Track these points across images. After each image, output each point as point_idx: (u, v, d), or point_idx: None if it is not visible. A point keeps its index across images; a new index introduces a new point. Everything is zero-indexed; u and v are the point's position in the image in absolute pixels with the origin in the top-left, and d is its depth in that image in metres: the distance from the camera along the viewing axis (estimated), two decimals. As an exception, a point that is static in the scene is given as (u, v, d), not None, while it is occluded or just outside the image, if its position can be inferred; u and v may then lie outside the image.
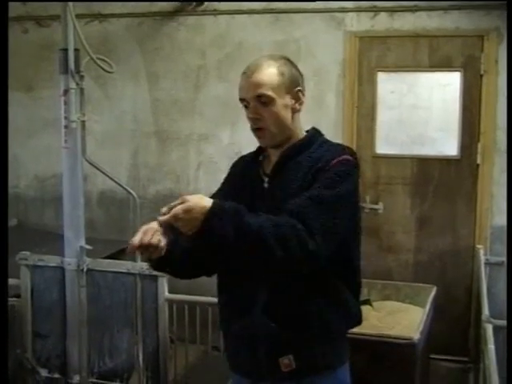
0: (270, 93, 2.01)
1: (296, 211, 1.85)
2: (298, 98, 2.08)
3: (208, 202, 1.78)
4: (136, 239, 1.85)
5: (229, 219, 1.77)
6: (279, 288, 1.99)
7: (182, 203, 1.76)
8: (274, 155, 2.11)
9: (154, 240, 1.87)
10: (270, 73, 2.02)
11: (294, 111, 2.08)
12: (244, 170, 2.21)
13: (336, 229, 1.90)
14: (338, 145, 2.13)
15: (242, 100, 2.06)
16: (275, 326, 1.99)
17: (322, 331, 2.02)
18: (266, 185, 2.08)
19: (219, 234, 1.76)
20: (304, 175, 2.00)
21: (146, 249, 1.88)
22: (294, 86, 2.07)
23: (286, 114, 2.05)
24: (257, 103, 2.02)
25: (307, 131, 2.16)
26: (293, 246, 1.80)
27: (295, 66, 2.11)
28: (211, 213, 1.76)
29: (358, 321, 2.15)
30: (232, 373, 2.22)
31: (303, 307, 1.99)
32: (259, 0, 4.55)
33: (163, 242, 1.90)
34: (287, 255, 1.79)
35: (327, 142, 2.13)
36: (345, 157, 2.00)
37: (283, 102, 2.04)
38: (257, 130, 2.05)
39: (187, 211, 1.75)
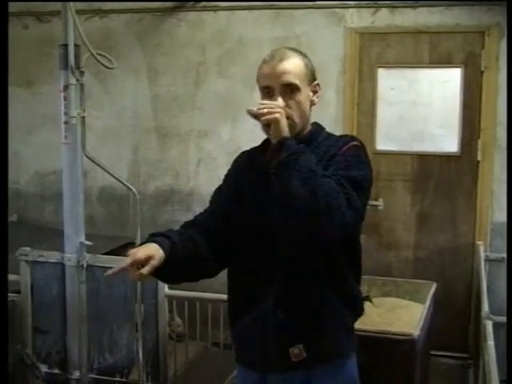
0: (297, 82, 2.02)
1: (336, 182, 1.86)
2: (315, 91, 2.11)
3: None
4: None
5: (305, 155, 1.85)
6: (293, 278, 2.01)
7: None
8: None
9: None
10: (296, 63, 2.05)
11: (312, 104, 2.10)
12: (250, 163, 2.20)
13: (364, 207, 1.94)
14: (345, 135, 2.18)
15: (265, 88, 2.04)
16: (285, 317, 2.01)
17: (333, 320, 2.04)
18: (273, 178, 2.03)
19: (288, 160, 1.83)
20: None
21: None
22: (313, 78, 2.11)
23: (307, 106, 2.08)
24: (283, 91, 2.01)
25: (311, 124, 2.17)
26: (334, 207, 1.81)
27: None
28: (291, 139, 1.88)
29: (362, 308, 2.17)
30: (239, 366, 2.23)
31: (314, 297, 2.01)
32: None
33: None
34: (328, 213, 1.80)
35: (332, 134, 2.16)
36: (355, 143, 2.04)
37: (306, 93, 2.06)
38: None
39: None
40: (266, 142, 2.15)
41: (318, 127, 2.17)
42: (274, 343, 2.05)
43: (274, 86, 2.01)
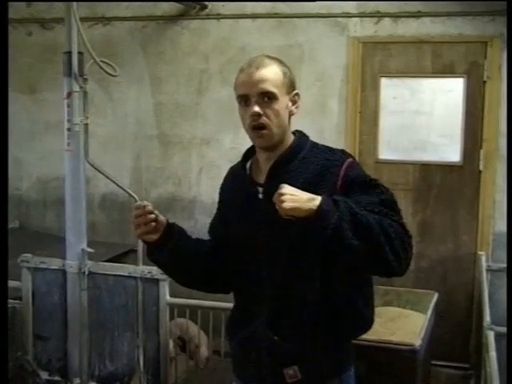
0: (275, 90, 1.93)
1: (377, 212, 1.81)
2: (294, 101, 2.02)
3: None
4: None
5: (342, 210, 1.74)
6: (287, 296, 1.96)
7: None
8: (265, 163, 2.02)
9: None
10: (274, 71, 1.95)
11: (291, 114, 2.01)
12: (233, 182, 2.14)
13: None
14: (332, 148, 2.06)
15: (241, 96, 1.96)
16: (277, 339, 1.97)
17: (329, 341, 1.98)
18: (260, 195, 1.99)
19: (334, 224, 1.72)
20: (307, 185, 1.88)
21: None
22: (293, 88, 2.01)
23: (285, 115, 1.98)
24: (260, 100, 1.93)
25: (293, 133, 2.07)
26: (396, 242, 1.78)
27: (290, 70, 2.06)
28: (323, 203, 1.75)
29: (369, 325, 2.11)
30: (236, 378, 2.20)
31: (309, 318, 1.95)
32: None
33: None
34: (392, 250, 1.77)
35: (317, 145, 2.06)
36: (350, 160, 1.97)
37: (284, 102, 1.97)
38: (257, 129, 1.94)
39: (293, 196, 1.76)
40: (245, 156, 2.11)
41: (301, 137, 2.06)
42: (268, 363, 2.01)
43: (251, 95, 1.93)
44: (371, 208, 1.81)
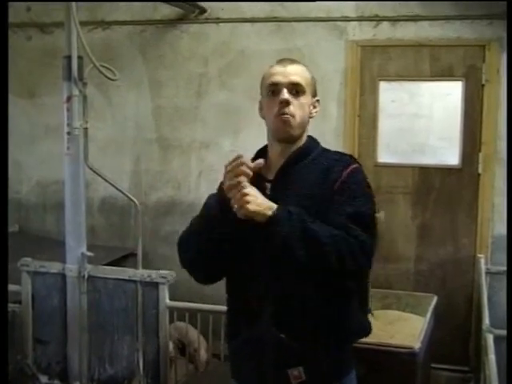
0: (304, 84, 2.04)
1: (343, 225, 1.88)
2: (315, 106, 2.11)
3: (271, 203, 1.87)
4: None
5: (294, 222, 1.83)
6: (288, 296, 1.97)
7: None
8: (277, 159, 2.07)
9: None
10: (304, 70, 2.08)
11: (310, 116, 2.09)
12: None
13: (375, 242, 1.98)
14: (343, 153, 2.15)
15: (272, 85, 2.04)
16: (285, 337, 1.97)
17: (334, 342, 1.99)
18: (268, 191, 2.02)
19: (284, 234, 1.82)
20: (313, 185, 1.97)
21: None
22: (315, 93, 2.12)
23: (308, 113, 2.07)
24: (290, 90, 2.02)
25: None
26: (347, 259, 1.84)
27: None
28: (278, 213, 1.84)
29: (368, 331, 2.13)
30: (234, 381, 2.19)
31: (315, 317, 1.96)
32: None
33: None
34: (341, 267, 1.84)
35: (327, 150, 2.13)
36: (355, 165, 2.03)
37: (309, 100, 2.07)
38: (283, 115, 2.01)
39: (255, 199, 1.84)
40: (258, 153, 2.14)
41: (313, 141, 2.14)
42: (272, 364, 2.01)
43: (283, 83, 2.02)
44: (338, 220, 1.89)
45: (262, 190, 1.98)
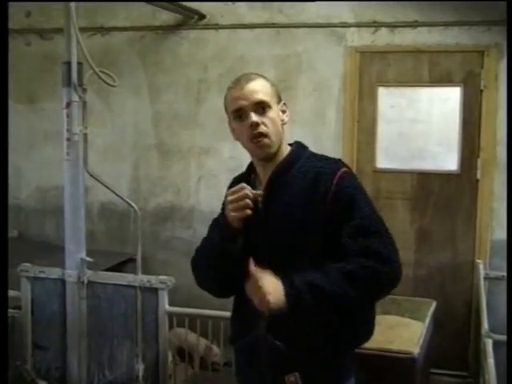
0: (268, 99, 2.01)
1: (359, 248, 1.90)
2: (284, 111, 2.08)
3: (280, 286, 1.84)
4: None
5: (306, 296, 1.85)
6: None
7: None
8: (263, 174, 2.07)
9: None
10: (262, 83, 2.04)
11: (283, 124, 2.06)
12: None
13: (391, 238, 2.02)
14: (329, 157, 2.10)
15: (237, 111, 2.02)
16: (281, 345, 1.98)
17: (330, 349, 1.99)
18: (260, 205, 2.00)
19: (300, 311, 1.86)
20: (303, 194, 1.97)
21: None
22: (280, 98, 2.08)
23: (279, 124, 2.04)
24: (256, 110, 1.99)
25: (290, 145, 2.12)
26: (369, 286, 1.90)
27: None
28: (288, 298, 1.84)
29: (370, 333, 2.13)
30: (238, 382, 2.21)
31: (310, 325, 1.95)
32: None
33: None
34: (368, 295, 1.95)
35: (315, 155, 2.10)
36: (344, 169, 2.01)
37: (276, 110, 2.04)
38: (257, 138, 1.98)
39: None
40: (249, 168, 2.14)
41: (299, 148, 2.11)
42: (269, 369, 2.02)
43: (246, 106, 1.99)
44: (349, 236, 1.91)
45: (255, 204, 1.99)
